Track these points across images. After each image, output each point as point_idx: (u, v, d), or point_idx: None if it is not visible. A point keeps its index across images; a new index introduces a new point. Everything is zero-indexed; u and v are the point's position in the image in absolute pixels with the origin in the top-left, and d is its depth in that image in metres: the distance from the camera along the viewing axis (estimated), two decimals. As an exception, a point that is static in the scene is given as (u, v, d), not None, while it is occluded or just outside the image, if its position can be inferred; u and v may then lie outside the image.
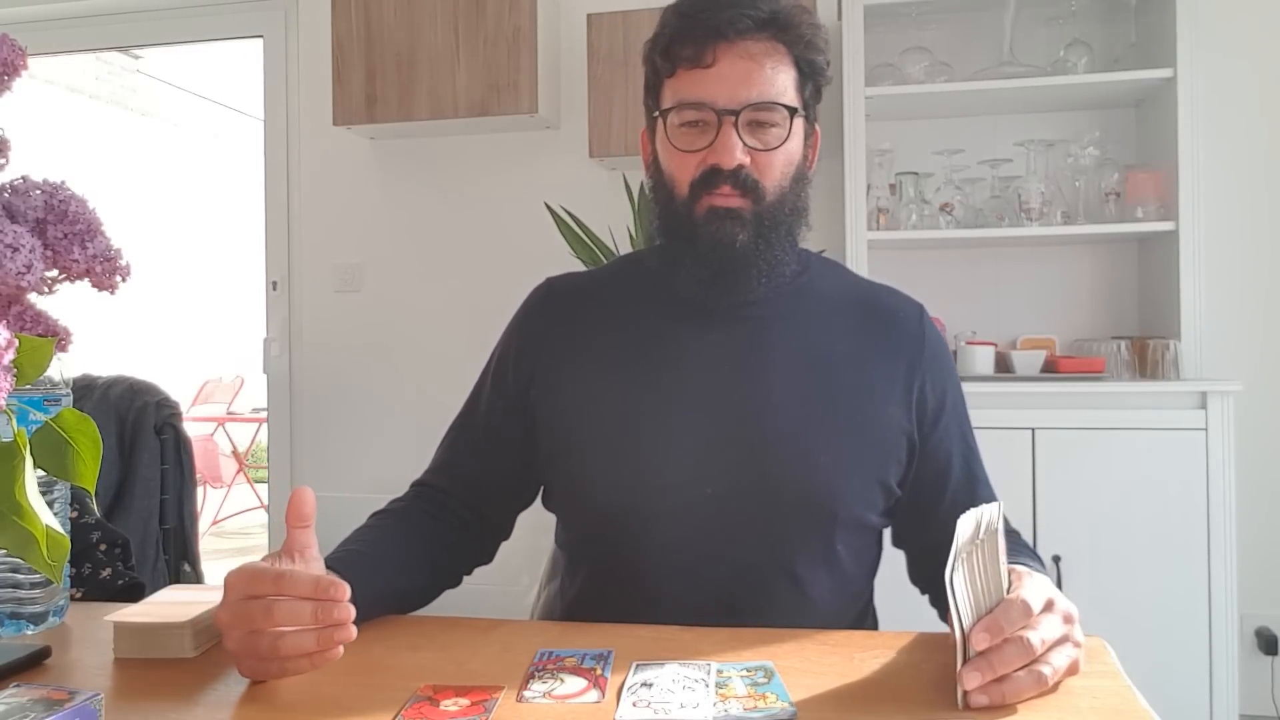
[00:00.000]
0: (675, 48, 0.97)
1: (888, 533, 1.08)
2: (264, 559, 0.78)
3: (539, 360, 1.06)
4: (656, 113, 1.01)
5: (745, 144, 0.96)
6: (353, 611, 0.73)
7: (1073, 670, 0.72)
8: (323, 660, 0.73)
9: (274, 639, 0.72)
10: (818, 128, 1.05)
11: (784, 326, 1.02)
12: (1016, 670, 0.68)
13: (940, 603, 1.02)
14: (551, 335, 1.07)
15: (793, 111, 0.97)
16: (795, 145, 0.99)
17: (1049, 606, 0.72)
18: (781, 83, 0.97)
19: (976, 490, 1.04)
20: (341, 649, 0.74)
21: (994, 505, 0.73)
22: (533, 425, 1.05)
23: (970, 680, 0.67)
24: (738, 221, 0.96)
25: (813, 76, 1.00)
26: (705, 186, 0.97)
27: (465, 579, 1.07)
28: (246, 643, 0.73)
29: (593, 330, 1.06)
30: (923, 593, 1.07)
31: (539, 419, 1.05)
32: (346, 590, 0.73)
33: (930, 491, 1.03)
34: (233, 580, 0.76)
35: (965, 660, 0.69)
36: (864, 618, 1.07)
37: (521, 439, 1.06)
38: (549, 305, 1.10)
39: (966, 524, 0.70)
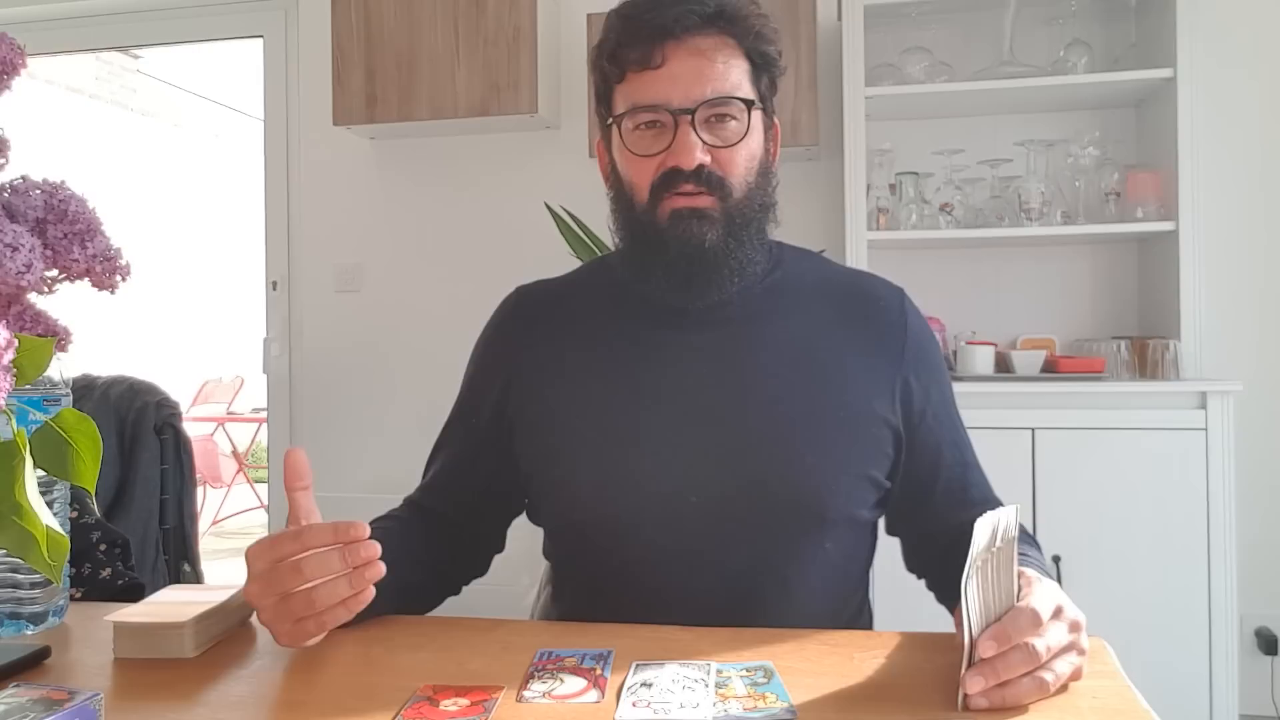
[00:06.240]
0: (623, 51, 0.95)
1: (881, 525, 1.06)
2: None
3: (513, 372, 1.04)
4: (610, 120, 0.99)
5: (704, 142, 0.93)
6: (378, 547, 0.74)
7: (1075, 676, 0.72)
8: (358, 604, 0.76)
9: (307, 594, 0.74)
10: (777, 120, 1.02)
11: (762, 325, 1.00)
12: (1020, 676, 0.68)
13: (938, 588, 1.02)
14: (524, 346, 1.05)
15: (749, 105, 0.95)
16: (756, 139, 0.97)
17: (1057, 614, 0.72)
18: (735, 77, 0.94)
19: (969, 476, 1.03)
20: (373, 590, 0.76)
21: (1010, 510, 0.73)
22: (511, 438, 1.03)
23: (973, 685, 0.67)
24: (705, 221, 0.94)
25: (766, 68, 0.97)
26: (666, 187, 0.94)
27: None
28: (281, 609, 0.75)
29: (566, 338, 1.03)
30: (919, 578, 1.06)
31: (517, 432, 1.03)
32: (366, 528, 0.74)
33: (922, 482, 1.01)
34: (255, 551, 0.77)
35: (970, 665, 0.69)
36: (859, 615, 1.06)
37: (502, 452, 1.04)
38: (519, 315, 1.08)
39: (983, 530, 0.69)
